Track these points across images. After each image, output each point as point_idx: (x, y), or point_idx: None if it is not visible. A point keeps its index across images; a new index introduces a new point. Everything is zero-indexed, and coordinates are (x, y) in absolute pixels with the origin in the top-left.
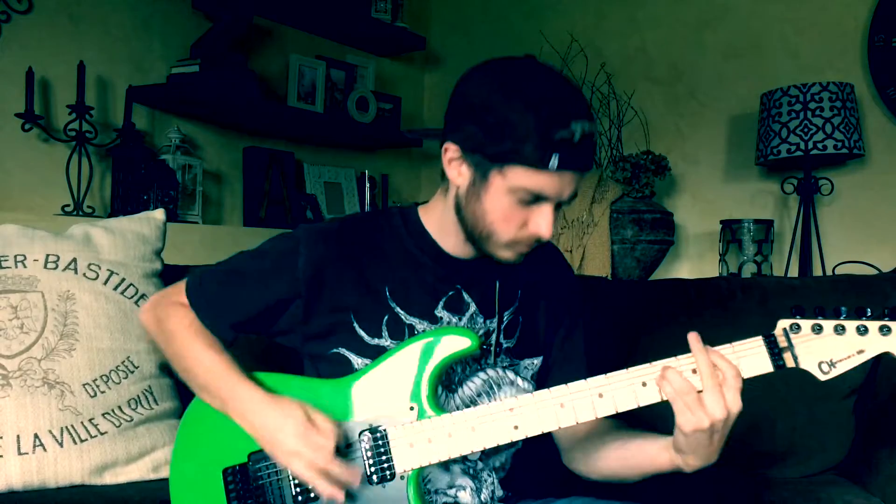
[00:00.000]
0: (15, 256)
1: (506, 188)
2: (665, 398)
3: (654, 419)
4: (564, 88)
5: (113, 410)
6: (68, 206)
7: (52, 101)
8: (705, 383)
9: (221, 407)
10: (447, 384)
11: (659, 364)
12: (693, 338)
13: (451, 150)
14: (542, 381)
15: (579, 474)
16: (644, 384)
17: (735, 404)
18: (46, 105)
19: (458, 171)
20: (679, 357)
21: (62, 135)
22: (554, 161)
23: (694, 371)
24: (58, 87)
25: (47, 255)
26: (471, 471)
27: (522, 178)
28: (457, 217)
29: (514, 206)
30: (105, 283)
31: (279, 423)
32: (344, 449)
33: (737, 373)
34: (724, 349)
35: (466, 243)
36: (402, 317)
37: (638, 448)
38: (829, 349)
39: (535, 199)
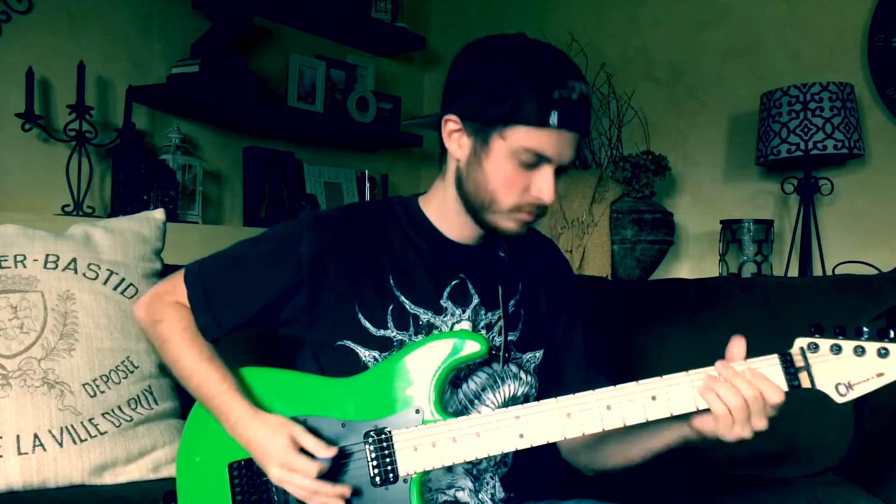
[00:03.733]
0: (15, 256)
1: (507, 151)
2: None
3: None
4: (559, 55)
5: (113, 410)
6: (68, 206)
7: (52, 101)
8: (737, 416)
9: (215, 415)
10: (452, 380)
11: (669, 378)
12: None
13: (451, 122)
14: (543, 373)
15: (578, 466)
16: (654, 398)
17: (760, 424)
18: (46, 105)
19: (458, 144)
20: (690, 372)
21: (62, 135)
22: (554, 118)
23: None
24: (58, 87)
25: (47, 255)
26: (473, 471)
27: (523, 137)
28: (457, 193)
29: (516, 170)
30: (105, 282)
31: (264, 442)
32: (340, 459)
33: (779, 400)
34: (737, 366)
35: (467, 224)
36: (407, 306)
37: (648, 434)
38: (847, 371)
39: (536, 161)
